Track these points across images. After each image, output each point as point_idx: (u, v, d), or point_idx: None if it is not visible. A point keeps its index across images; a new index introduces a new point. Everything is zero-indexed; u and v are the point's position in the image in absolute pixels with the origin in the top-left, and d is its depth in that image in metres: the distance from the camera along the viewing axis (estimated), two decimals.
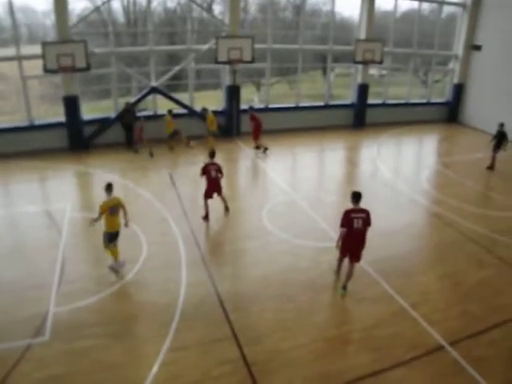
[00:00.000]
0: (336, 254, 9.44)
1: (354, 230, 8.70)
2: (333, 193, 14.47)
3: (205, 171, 11.74)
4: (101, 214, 8.95)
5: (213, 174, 11.73)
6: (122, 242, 10.45)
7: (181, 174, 15.21)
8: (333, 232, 11.49)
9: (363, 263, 9.89)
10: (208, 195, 11.91)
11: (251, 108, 18.04)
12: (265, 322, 8.18)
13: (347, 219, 8.71)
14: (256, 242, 11.01)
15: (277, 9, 22.43)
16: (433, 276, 10.06)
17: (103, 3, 16.77)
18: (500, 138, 16.72)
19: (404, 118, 23.76)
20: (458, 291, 9.53)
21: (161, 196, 13.29)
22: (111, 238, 9.26)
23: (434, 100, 25.55)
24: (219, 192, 12.09)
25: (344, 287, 9.17)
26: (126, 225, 9.44)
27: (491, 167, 17.07)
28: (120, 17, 19.73)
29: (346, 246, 9.02)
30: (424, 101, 25.32)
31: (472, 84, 24.39)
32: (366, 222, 8.75)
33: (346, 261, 9.24)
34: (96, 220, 9.02)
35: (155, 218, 11.96)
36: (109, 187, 9.12)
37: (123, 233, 9.67)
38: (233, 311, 8.41)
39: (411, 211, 13.48)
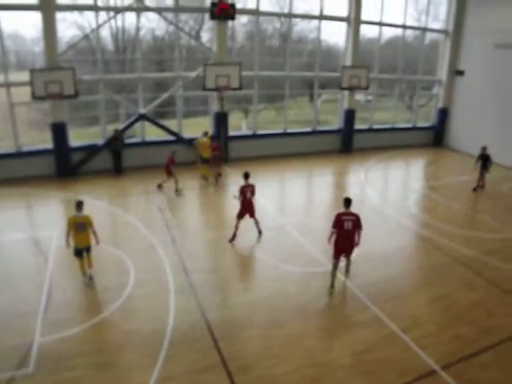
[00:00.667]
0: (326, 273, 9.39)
1: (344, 231, 9.64)
2: (321, 218, 14.45)
3: (241, 193, 12.01)
4: (67, 229, 9.44)
5: (248, 195, 12.06)
6: (109, 269, 10.44)
7: (168, 200, 15.12)
8: (322, 257, 11.49)
9: (353, 287, 9.93)
10: (241, 216, 12.18)
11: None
12: (254, 349, 8.06)
13: (338, 221, 9.68)
14: (244, 268, 11.01)
15: (264, 36, 22.75)
16: (423, 299, 10.03)
17: (92, 31, 16.97)
18: (484, 161, 16.97)
19: (390, 142, 24.06)
20: (448, 314, 9.49)
21: (149, 223, 13.19)
22: (77, 253, 9.69)
23: (419, 124, 25.98)
24: (252, 214, 12.35)
25: (347, 271, 10.53)
26: (97, 243, 9.88)
27: (479, 187, 17.40)
28: (109, 44, 19.86)
29: (338, 247, 9.85)
30: (410, 125, 25.74)
31: (456, 108, 24.87)
32: (356, 224, 9.66)
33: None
34: (67, 237, 9.50)
35: (143, 244, 11.85)
36: (78, 205, 9.53)
37: (111, 260, 9.62)
38: (222, 339, 8.28)
39: (400, 235, 13.51)
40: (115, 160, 17.57)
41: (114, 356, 7.77)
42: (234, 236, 12.27)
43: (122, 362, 7.64)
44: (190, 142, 18.58)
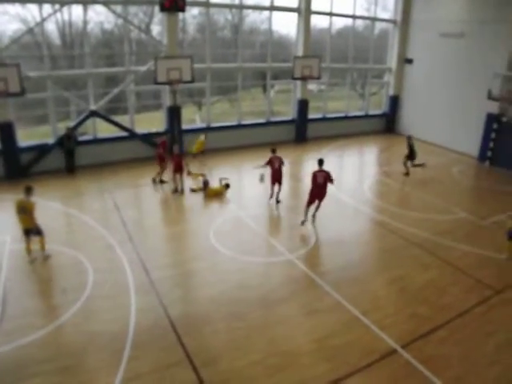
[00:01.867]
0: None
1: (317, 184, 12.57)
2: (278, 208, 14.59)
3: (269, 162, 14.28)
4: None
5: (276, 165, 14.17)
6: (66, 271, 10.25)
7: (124, 197, 14.87)
8: (280, 247, 11.61)
9: (313, 275, 10.12)
10: (272, 182, 14.46)
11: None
12: (218, 343, 8.08)
13: (313, 176, 12.62)
14: (204, 262, 10.89)
15: (215, 28, 22.60)
16: (381, 282, 10.31)
17: (36, 24, 16.33)
18: (411, 150, 17.67)
19: (344, 130, 24.46)
20: (405, 295, 9.80)
21: (105, 221, 12.93)
22: (23, 232, 10.40)
23: (371, 112, 26.52)
24: (279, 181, 14.43)
25: (313, 215, 13.18)
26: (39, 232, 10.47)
27: (407, 173, 17.95)
28: (55, 39, 19.19)
29: (313, 196, 12.76)
30: (362, 113, 26.21)
31: (406, 95, 25.54)
32: (326, 178, 12.54)
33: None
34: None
35: (100, 244, 11.59)
36: (27, 190, 10.25)
37: (68, 262, 9.54)
38: (185, 334, 8.24)
39: (356, 221, 13.80)
40: (68, 159, 17.09)
41: (78, 359, 7.58)
42: (272, 196, 14.73)
43: (85, 365, 7.47)
44: (143, 138, 18.36)
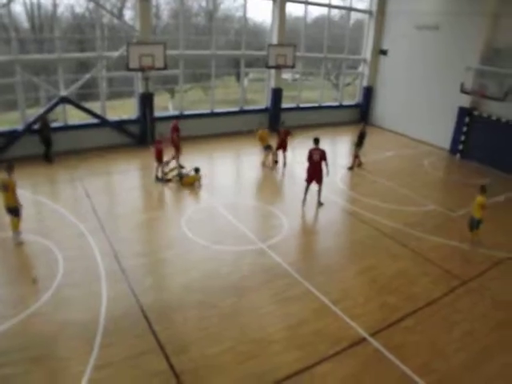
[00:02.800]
0: None
1: (313, 162, 13.25)
2: (251, 197, 14.59)
3: (308, 156, 13.54)
4: None
5: (315, 158, 13.40)
6: (36, 259, 10.13)
7: (96, 185, 14.62)
8: (252, 235, 11.61)
9: (284, 264, 10.18)
10: (308, 179, 13.71)
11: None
12: (190, 330, 8.06)
13: (309, 154, 13.34)
14: (176, 250, 10.82)
15: (189, 14, 22.31)
16: (352, 272, 10.41)
17: (3, 6, 15.71)
18: (362, 138, 17.66)
19: (317, 120, 24.52)
20: (375, 285, 9.93)
21: (76, 209, 12.69)
22: (7, 211, 10.49)
23: (345, 102, 26.62)
24: (318, 179, 13.62)
25: (319, 202, 13.81)
26: (19, 206, 10.57)
27: (355, 166, 17.99)
28: (23, 21, 18.63)
29: (310, 175, 13.46)
30: (336, 103, 26.29)
31: (380, 87, 25.74)
32: (321, 156, 13.17)
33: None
34: None
35: (70, 232, 11.38)
36: (8, 167, 10.36)
37: (38, 250, 9.71)
38: (157, 322, 8.20)
39: (328, 211, 13.87)
40: (47, 147, 16.66)
41: (48, 349, 7.47)
42: (305, 198, 13.93)
43: (56, 354, 7.37)
44: (115, 125, 18.08)
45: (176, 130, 16.14)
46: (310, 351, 7.71)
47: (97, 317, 8.23)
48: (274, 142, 17.46)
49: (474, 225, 11.82)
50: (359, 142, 17.62)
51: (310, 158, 13.35)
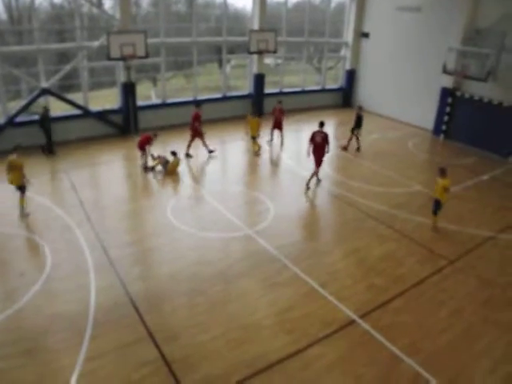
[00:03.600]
0: None
1: (316, 143, 13.68)
2: (236, 183, 14.55)
3: (311, 137, 13.90)
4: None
5: (317, 139, 13.78)
6: (23, 253, 10.12)
7: (80, 176, 14.45)
8: (239, 222, 11.61)
9: (271, 249, 10.24)
10: (315, 162, 14.03)
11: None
12: (179, 319, 8.10)
13: (312, 136, 13.78)
14: (163, 239, 10.81)
15: (169, 2, 21.99)
16: (339, 255, 10.50)
17: None
18: (358, 121, 17.77)
19: (301, 105, 24.43)
20: (363, 267, 10.03)
21: (61, 202, 12.59)
22: (16, 189, 11.49)
23: (328, 86, 26.54)
24: (318, 162, 13.99)
25: (317, 176, 14.33)
26: (27, 182, 11.64)
27: (347, 147, 18.15)
28: (1, 13, 18.22)
29: (314, 156, 13.78)
30: (319, 87, 26.21)
31: (363, 70, 25.69)
32: (324, 138, 13.62)
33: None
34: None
35: (57, 225, 11.29)
36: (15, 148, 11.44)
37: (24, 244, 9.88)
38: (146, 311, 8.21)
39: (314, 195, 13.92)
40: (48, 139, 16.44)
41: (39, 342, 7.46)
42: (310, 179, 14.15)
43: (47, 347, 7.36)
44: (98, 115, 17.86)
45: (197, 118, 16.16)
46: (301, 335, 7.79)
47: (86, 308, 8.22)
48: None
49: (438, 208, 11.73)
50: (357, 126, 17.75)
51: (313, 139, 13.72)
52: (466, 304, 8.97)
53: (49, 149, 16.46)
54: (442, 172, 11.41)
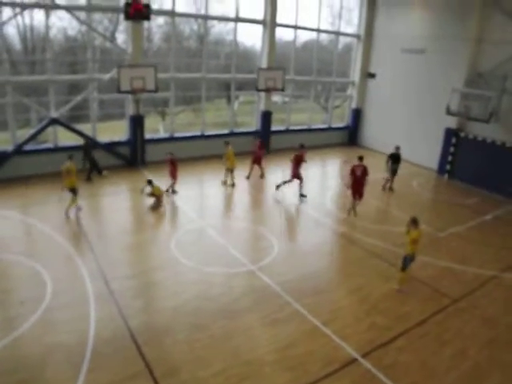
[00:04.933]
0: None
1: (356, 177, 14.59)
2: (241, 219, 14.61)
3: (351, 171, 14.83)
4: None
5: (357, 173, 14.70)
6: (24, 281, 10.05)
7: (84, 206, 14.51)
8: (242, 257, 11.62)
9: (274, 285, 10.21)
10: (352, 194, 14.94)
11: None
12: (179, 353, 8.00)
13: (352, 170, 14.75)
14: (166, 272, 10.79)
15: (181, 38, 22.56)
16: (341, 293, 10.44)
17: None
18: (394, 161, 17.90)
19: (307, 142, 24.28)
20: (365, 305, 9.95)
21: (65, 231, 12.65)
22: (69, 191, 13.62)
23: (334, 125, 26.90)
24: (360, 194, 14.90)
25: (354, 212, 14.96)
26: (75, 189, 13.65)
27: (388, 188, 18.25)
28: (16, 43, 18.72)
29: (353, 188, 14.69)
30: (325, 126, 26.56)
31: (368, 109, 26.07)
32: (363, 172, 14.61)
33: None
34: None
35: (59, 254, 11.32)
36: (70, 157, 13.81)
37: (26, 272, 9.80)
38: (145, 345, 8.13)
39: (317, 232, 13.93)
40: (94, 166, 17.06)
41: (36, 372, 7.37)
42: (350, 210, 15.09)
43: (44, 378, 7.27)
44: (106, 147, 18.13)
45: (300, 160, 16.35)
46: (302, 373, 7.68)
47: (85, 339, 8.15)
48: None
49: (407, 263, 10.46)
50: (393, 167, 17.97)
51: (353, 173, 14.64)
52: (470, 344, 8.87)
53: (89, 176, 17.00)
54: (414, 222, 10.26)
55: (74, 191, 13.60)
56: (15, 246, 11.31)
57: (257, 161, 18.41)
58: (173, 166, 15.83)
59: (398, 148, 18.12)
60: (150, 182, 14.79)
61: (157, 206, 14.73)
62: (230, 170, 17.36)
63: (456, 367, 8.15)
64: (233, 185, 17.39)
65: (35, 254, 11.19)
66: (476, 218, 15.83)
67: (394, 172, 18.03)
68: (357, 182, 14.64)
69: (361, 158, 14.83)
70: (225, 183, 17.42)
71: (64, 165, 13.57)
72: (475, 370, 8.14)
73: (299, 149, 16.25)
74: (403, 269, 10.49)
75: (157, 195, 14.75)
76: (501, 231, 15.03)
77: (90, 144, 17.22)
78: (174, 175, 15.91)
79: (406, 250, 10.48)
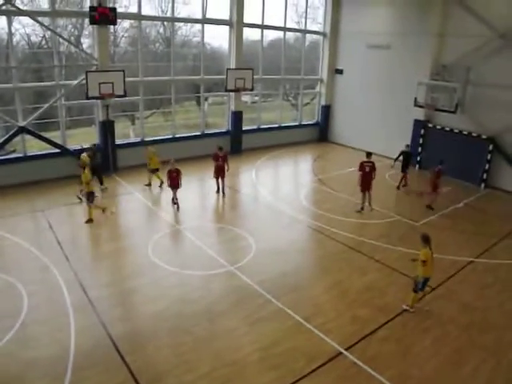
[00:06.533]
0: None
1: (365, 172, 15.13)
2: (217, 220, 14.58)
3: (360, 167, 15.30)
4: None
5: (367, 169, 15.19)
6: None
7: (58, 216, 14.29)
8: (221, 258, 11.59)
9: (254, 284, 10.22)
10: (362, 189, 15.39)
11: None
12: (164, 359, 7.93)
13: (361, 166, 15.27)
14: (145, 278, 10.66)
15: (147, 41, 22.32)
16: (321, 288, 10.51)
17: None
18: (407, 158, 18.09)
19: (278, 140, 24.82)
20: (346, 299, 10.05)
21: (38, 242, 12.35)
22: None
23: (304, 122, 27.07)
24: (368, 188, 15.33)
25: (370, 205, 15.47)
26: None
27: (402, 185, 18.40)
28: None
29: (363, 184, 15.19)
30: (296, 123, 26.69)
31: (338, 105, 26.36)
32: (372, 167, 15.18)
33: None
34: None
35: (34, 266, 11.03)
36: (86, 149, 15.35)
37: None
38: (129, 353, 8.03)
39: (294, 229, 13.99)
40: (99, 174, 16.72)
41: None
42: (362, 208, 15.51)
43: None
44: (75, 154, 17.84)
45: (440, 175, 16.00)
46: (286, 371, 7.70)
47: (66, 351, 7.98)
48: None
49: (419, 286, 9.46)
50: (406, 163, 18.11)
51: (363, 169, 15.17)
52: (449, 329, 9.08)
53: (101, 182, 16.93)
54: (424, 239, 9.28)
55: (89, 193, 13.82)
56: None
57: (220, 173, 16.53)
58: (178, 175, 15.37)
59: (408, 146, 18.56)
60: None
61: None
62: (156, 170, 17.30)
63: (438, 353, 8.33)
64: (149, 184, 17.34)
65: (9, 267, 10.91)
66: (449, 207, 16.16)
67: (405, 168, 18.20)
68: (366, 177, 15.11)
69: (369, 154, 15.53)
70: (149, 185, 17.38)
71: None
72: (456, 354, 8.33)
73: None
74: (414, 290, 9.52)
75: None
76: (473, 218, 15.39)
77: (95, 150, 16.89)
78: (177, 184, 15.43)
79: (417, 270, 9.48)
